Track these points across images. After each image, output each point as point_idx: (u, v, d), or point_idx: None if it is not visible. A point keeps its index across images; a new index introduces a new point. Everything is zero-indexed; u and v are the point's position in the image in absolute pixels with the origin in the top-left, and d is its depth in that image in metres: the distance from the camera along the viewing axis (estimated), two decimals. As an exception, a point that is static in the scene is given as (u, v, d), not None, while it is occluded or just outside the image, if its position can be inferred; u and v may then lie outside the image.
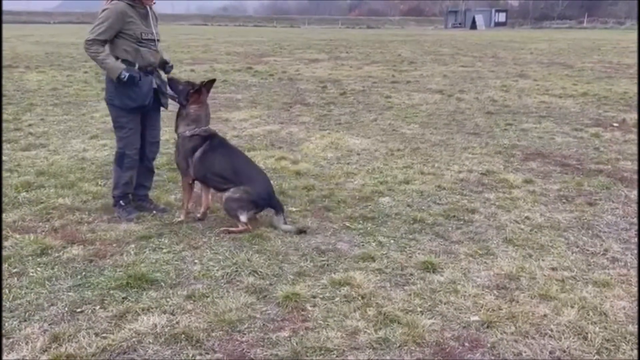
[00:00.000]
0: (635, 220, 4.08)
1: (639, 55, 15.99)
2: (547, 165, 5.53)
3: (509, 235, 3.77)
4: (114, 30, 3.71)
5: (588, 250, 3.56)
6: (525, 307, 2.86)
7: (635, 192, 4.68)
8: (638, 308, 2.90)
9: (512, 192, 4.67)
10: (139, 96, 3.82)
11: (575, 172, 5.27)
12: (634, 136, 6.81)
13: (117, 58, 3.77)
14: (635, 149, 6.18)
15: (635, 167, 5.42)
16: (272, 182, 4.82)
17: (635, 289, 3.04)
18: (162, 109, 4.13)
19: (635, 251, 3.54)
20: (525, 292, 3.01)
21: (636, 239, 3.73)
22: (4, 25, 44.38)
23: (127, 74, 3.71)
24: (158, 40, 3.98)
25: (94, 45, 3.72)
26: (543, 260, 3.40)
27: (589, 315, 2.78)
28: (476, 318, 2.76)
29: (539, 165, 5.51)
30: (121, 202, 4.03)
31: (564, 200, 4.50)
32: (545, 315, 2.78)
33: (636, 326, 2.68)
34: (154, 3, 3.90)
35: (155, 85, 3.94)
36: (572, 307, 2.85)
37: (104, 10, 3.74)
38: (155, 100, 3.98)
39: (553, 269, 3.29)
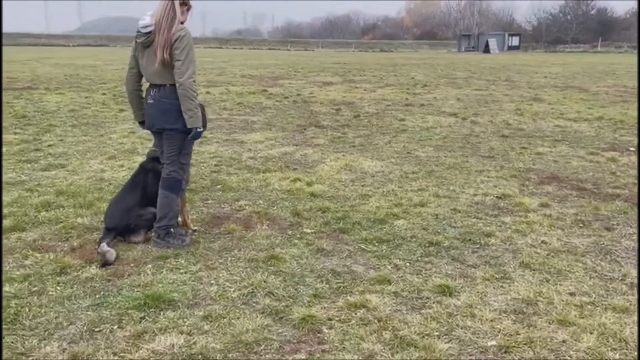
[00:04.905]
0: (654, 245, 4.04)
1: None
2: (563, 189, 5.51)
3: (526, 259, 3.75)
4: None
5: (606, 276, 3.52)
6: (544, 332, 2.83)
7: (653, 217, 4.64)
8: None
9: (528, 215, 4.65)
10: (205, 123, 3.92)
11: (592, 197, 5.24)
12: (651, 160, 6.76)
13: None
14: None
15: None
16: (287, 203, 4.87)
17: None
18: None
19: (655, 277, 3.50)
20: (543, 317, 2.98)
21: (655, 265, 3.69)
22: (23, 48, 45.57)
23: (202, 131, 3.85)
24: None
25: (194, 84, 3.67)
26: (561, 285, 3.37)
27: (608, 341, 2.75)
28: (493, 343, 2.74)
29: (555, 189, 5.48)
30: (172, 230, 3.89)
31: (581, 225, 4.47)
32: (564, 341, 2.75)
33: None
34: None
35: None
36: (591, 333, 2.81)
37: (182, 38, 3.57)
38: None
39: (571, 294, 3.26)
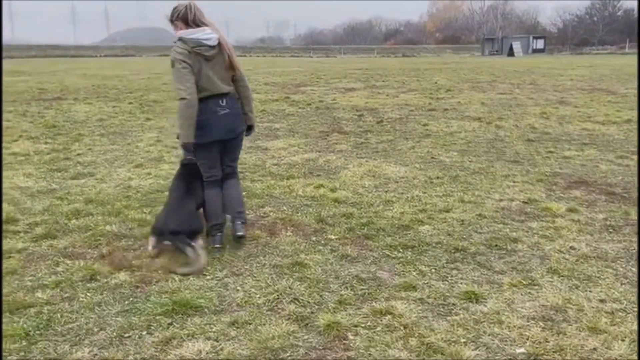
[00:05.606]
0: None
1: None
2: (591, 193, 5.41)
3: (554, 265, 3.69)
4: None
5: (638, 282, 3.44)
6: (574, 340, 2.78)
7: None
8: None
9: (556, 221, 4.58)
10: None
11: (622, 201, 5.13)
12: (683, 163, 6.59)
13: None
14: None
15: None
16: (311, 209, 4.88)
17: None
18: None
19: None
20: (572, 325, 2.93)
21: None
22: (53, 60, 46.72)
23: None
24: None
25: None
26: (590, 291, 3.31)
27: (641, 349, 2.69)
28: (522, 350, 2.70)
29: (583, 194, 5.39)
30: None
31: (611, 230, 4.38)
32: (594, 349, 2.70)
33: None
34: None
35: None
36: (622, 340, 2.76)
37: None
38: None
39: (601, 300, 3.20)
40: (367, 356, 2.66)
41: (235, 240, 4.04)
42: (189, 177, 4.12)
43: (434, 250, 3.98)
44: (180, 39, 3.73)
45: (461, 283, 3.44)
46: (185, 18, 3.75)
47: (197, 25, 3.76)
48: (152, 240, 3.92)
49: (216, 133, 3.90)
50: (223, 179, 4.13)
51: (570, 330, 2.88)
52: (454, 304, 3.17)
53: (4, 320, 2.99)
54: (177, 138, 4.17)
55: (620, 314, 3.03)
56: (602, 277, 3.52)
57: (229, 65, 3.88)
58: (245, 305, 3.17)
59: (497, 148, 7.73)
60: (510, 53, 54.82)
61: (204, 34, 3.73)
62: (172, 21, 3.81)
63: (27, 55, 55.55)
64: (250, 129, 4.21)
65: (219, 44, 3.80)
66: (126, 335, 2.85)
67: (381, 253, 3.94)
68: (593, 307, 3.11)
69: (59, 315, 3.04)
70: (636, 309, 3.08)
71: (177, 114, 3.74)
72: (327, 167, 6.65)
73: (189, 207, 4.00)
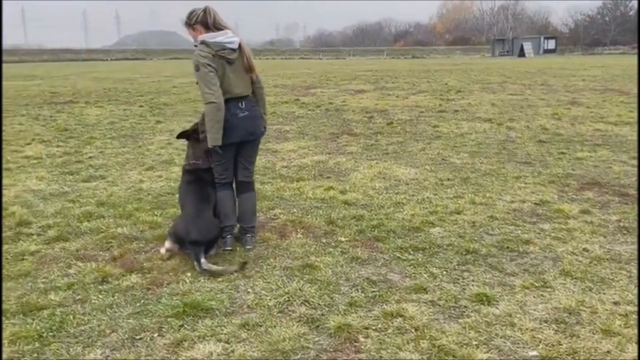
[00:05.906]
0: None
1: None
2: (604, 195, 5.36)
3: (567, 267, 3.66)
4: None
5: (652, 284, 3.40)
6: (587, 342, 2.75)
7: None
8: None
9: (568, 222, 4.54)
10: None
11: (635, 202, 5.08)
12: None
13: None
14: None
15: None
16: (321, 212, 4.88)
17: None
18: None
19: None
20: (586, 327, 2.90)
21: None
22: (64, 64, 47.20)
23: None
24: None
25: None
26: (604, 293, 3.28)
27: (656, 352, 2.65)
28: (535, 353, 2.68)
29: (596, 195, 5.34)
30: None
31: (624, 232, 4.34)
32: (608, 352, 2.67)
33: None
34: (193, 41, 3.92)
35: None
36: (636, 343, 2.72)
37: None
38: None
39: (615, 303, 3.16)
40: (378, 358, 2.65)
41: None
42: (200, 182, 4.11)
43: (445, 253, 3.96)
44: (203, 43, 3.72)
45: (473, 285, 3.41)
46: (205, 22, 3.74)
47: (218, 29, 3.75)
48: (168, 245, 3.93)
49: (237, 135, 3.90)
50: (240, 189, 4.14)
51: (583, 332, 2.85)
52: (465, 306, 3.15)
53: (17, 322, 3.02)
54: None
55: (634, 316, 3.00)
56: (615, 279, 3.48)
57: (248, 68, 3.89)
58: (256, 308, 3.17)
59: (508, 149, 7.68)
60: (521, 54, 54.52)
61: (227, 38, 3.74)
62: (190, 25, 3.78)
63: (40, 60, 56.18)
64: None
65: (239, 47, 3.82)
66: (138, 337, 2.87)
67: (392, 255, 3.93)
68: (607, 310, 3.08)
69: (71, 317, 3.06)
70: (651, 312, 3.05)
71: (206, 117, 3.75)
72: (337, 169, 6.65)
73: (208, 215, 4.00)
